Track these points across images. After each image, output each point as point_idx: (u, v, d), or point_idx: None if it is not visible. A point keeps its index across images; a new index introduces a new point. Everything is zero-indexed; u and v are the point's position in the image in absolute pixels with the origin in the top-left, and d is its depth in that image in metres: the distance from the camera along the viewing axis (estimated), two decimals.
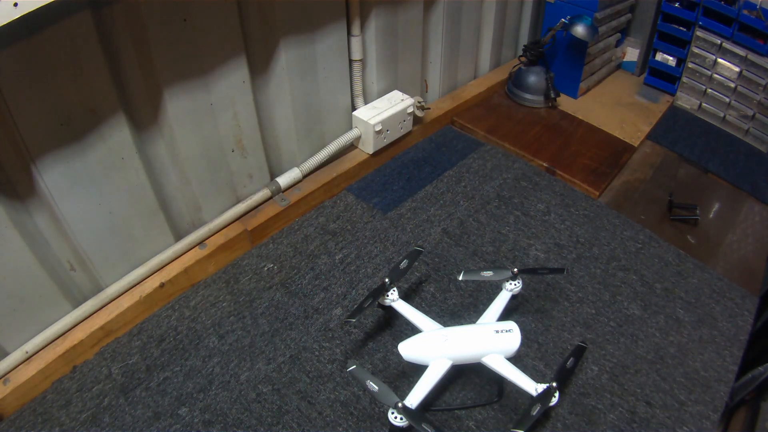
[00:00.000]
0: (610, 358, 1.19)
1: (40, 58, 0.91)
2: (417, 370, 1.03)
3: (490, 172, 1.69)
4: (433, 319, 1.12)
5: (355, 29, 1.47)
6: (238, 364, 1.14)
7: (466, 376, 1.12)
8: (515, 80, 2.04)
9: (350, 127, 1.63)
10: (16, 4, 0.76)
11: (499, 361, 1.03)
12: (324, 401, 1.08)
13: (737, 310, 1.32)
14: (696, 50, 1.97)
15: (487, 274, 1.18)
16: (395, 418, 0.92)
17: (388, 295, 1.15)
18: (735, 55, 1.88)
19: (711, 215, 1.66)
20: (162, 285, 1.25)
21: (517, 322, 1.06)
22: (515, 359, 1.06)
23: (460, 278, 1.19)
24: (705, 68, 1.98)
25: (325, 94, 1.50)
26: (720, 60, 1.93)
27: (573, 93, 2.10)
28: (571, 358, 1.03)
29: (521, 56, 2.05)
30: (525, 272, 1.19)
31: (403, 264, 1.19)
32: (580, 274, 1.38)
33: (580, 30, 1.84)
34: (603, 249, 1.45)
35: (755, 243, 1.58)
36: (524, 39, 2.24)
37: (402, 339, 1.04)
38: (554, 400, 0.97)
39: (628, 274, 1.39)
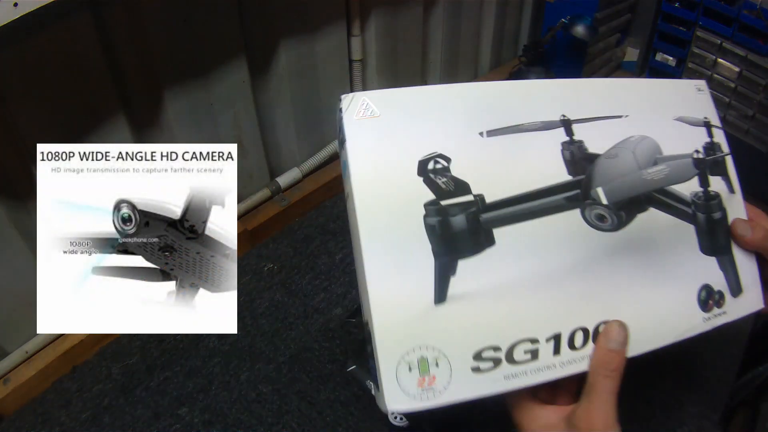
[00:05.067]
0: None
1: (40, 58, 0.91)
2: None
3: None
4: None
5: (355, 29, 1.47)
6: (238, 364, 1.14)
7: None
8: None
9: None
10: (16, 4, 0.76)
11: None
12: (324, 401, 1.08)
13: None
14: (696, 50, 1.97)
15: None
16: (395, 418, 0.92)
17: None
18: (735, 55, 1.88)
19: None
20: None
21: None
22: None
23: None
24: (705, 68, 1.98)
25: (325, 94, 1.50)
26: (720, 60, 1.93)
27: None
28: None
29: (521, 56, 2.04)
30: None
31: None
32: None
33: (580, 30, 1.84)
34: None
35: None
36: (524, 39, 2.24)
37: None
38: None
39: None
